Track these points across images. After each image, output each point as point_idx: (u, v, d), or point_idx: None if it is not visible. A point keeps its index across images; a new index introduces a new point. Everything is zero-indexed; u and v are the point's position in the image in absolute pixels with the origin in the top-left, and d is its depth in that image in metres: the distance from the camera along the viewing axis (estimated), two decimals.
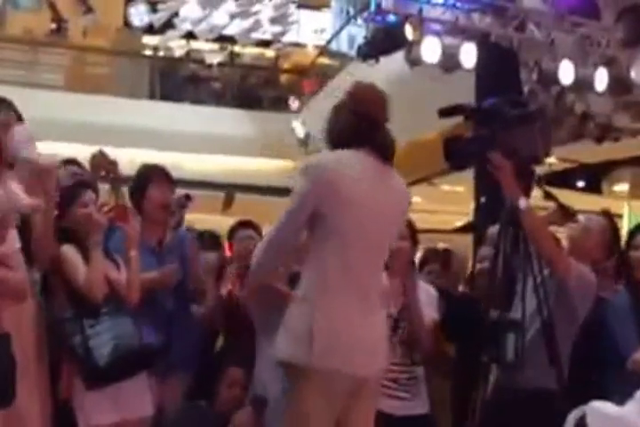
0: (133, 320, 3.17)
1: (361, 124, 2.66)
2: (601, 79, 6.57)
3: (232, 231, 3.95)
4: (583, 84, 6.64)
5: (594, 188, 11.19)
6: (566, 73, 6.42)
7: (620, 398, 3.04)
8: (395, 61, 6.81)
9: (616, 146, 8.28)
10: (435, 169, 9.13)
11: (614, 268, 3.71)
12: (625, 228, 11.50)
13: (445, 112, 2.97)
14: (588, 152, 9.00)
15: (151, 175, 3.64)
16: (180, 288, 3.55)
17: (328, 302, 2.54)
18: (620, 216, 11.80)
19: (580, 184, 11.31)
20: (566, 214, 3.70)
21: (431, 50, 6.11)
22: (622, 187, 10.94)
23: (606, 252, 3.57)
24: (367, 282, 2.64)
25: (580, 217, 3.60)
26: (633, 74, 6.71)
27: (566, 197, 11.03)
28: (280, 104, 13.98)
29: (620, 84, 6.79)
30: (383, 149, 2.69)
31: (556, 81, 6.59)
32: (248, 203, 13.28)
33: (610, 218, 3.69)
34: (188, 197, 3.48)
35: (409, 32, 6.11)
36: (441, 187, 11.69)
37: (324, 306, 2.53)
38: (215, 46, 14.27)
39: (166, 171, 3.69)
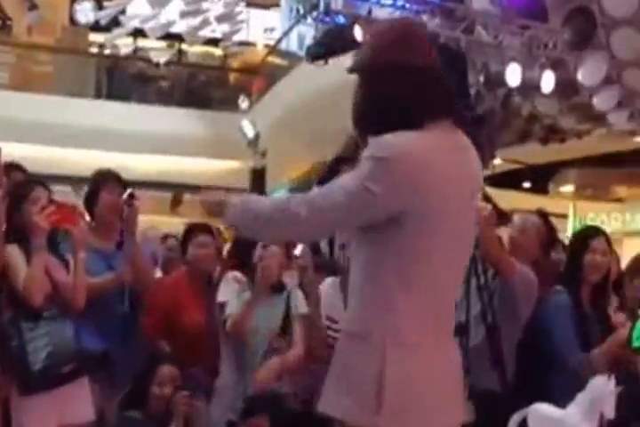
0: (75, 325, 3.10)
1: (431, 85, 1.86)
2: (548, 81, 6.65)
3: (188, 234, 3.85)
4: (530, 87, 6.71)
5: (540, 188, 11.37)
6: (513, 75, 6.48)
7: (563, 399, 3.08)
8: (347, 61, 6.79)
9: (562, 147, 8.41)
10: None
11: (552, 267, 3.74)
12: (570, 228, 11.76)
13: None
14: (535, 153, 9.13)
15: (103, 180, 3.64)
16: (135, 292, 3.48)
17: (406, 352, 1.82)
18: (566, 216, 12.04)
19: (527, 185, 11.48)
20: (502, 216, 3.72)
21: None
22: (568, 188, 11.13)
23: (543, 251, 3.60)
24: (452, 312, 1.97)
25: (516, 218, 3.62)
26: (579, 76, 6.81)
27: (513, 197, 11.27)
28: (229, 103, 13.88)
29: (566, 87, 6.88)
30: (456, 116, 1.92)
31: (503, 83, 6.64)
32: (197, 203, 13.15)
33: (545, 217, 3.72)
34: (132, 196, 3.41)
35: (358, 33, 6.08)
36: None
37: (400, 358, 1.81)
38: (163, 44, 14.09)
39: (118, 175, 3.69)
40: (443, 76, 1.89)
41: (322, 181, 2.23)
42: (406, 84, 1.84)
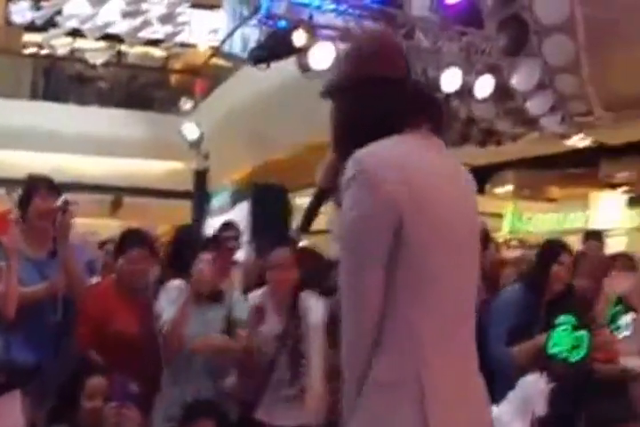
0: (5, 336, 3.03)
1: (405, 94, 1.78)
2: (484, 86, 6.83)
3: (122, 244, 3.72)
4: (467, 91, 6.88)
5: (478, 189, 11.57)
6: (451, 80, 6.64)
7: (497, 396, 3.22)
8: (292, 65, 6.86)
9: (498, 150, 8.63)
10: None
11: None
12: (506, 227, 12.07)
13: None
14: (473, 155, 9.34)
15: (35, 185, 3.55)
16: (69, 298, 3.43)
17: (438, 382, 1.62)
18: (502, 216, 12.35)
19: None
20: None
21: (321, 56, 6.17)
22: (506, 188, 11.42)
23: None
24: (466, 332, 1.77)
25: None
26: (514, 81, 7.01)
27: None
28: (171, 105, 13.81)
29: (501, 92, 7.08)
30: (440, 124, 1.82)
31: (440, 89, 6.80)
32: (138, 206, 13.04)
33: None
34: (66, 202, 3.36)
35: (300, 38, 6.15)
36: None
37: (435, 390, 1.61)
38: (101, 45, 13.94)
39: (51, 180, 3.59)
40: (421, 85, 1.97)
41: (308, 216, 1.93)
42: (392, 97, 1.77)
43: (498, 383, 3.23)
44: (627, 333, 3.72)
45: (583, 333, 3.54)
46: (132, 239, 3.69)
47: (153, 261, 3.87)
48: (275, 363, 3.44)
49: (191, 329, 3.44)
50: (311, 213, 1.90)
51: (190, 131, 11.37)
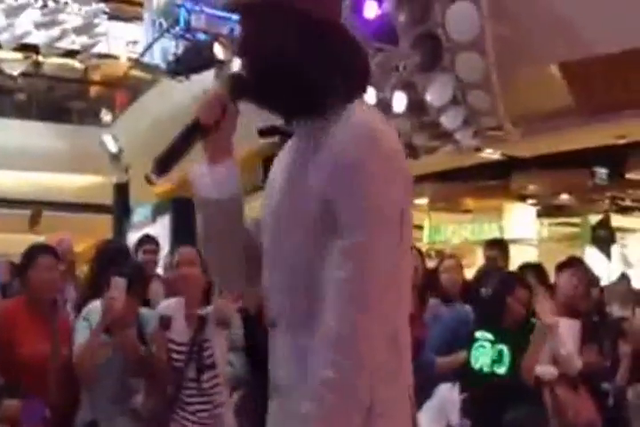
0: None
1: (359, 48, 1.48)
2: (399, 102, 7.04)
3: (29, 256, 3.48)
4: (384, 106, 7.07)
5: None
6: (368, 96, 6.82)
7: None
8: (211, 77, 6.90)
9: (415, 163, 8.86)
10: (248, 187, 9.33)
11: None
12: (425, 238, 12.35)
13: (265, 132, 2.85)
14: None
15: None
16: None
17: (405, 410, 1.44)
18: (421, 227, 12.63)
19: None
20: None
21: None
22: (422, 200, 11.70)
23: None
24: None
25: None
26: (428, 96, 7.24)
27: None
28: (91, 117, 13.62)
29: (416, 106, 7.30)
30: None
31: None
32: (57, 220, 12.78)
33: None
34: None
35: (218, 51, 6.22)
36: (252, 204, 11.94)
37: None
38: (18, 56, 13.66)
39: None
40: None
41: (172, 153, 1.52)
42: (354, 46, 1.46)
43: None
44: None
45: (502, 347, 3.68)
46: (38, 249, 3.53)
47: (65, 275, 3.76)
48: (183, 375, 3.31)
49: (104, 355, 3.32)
50: (177, 150, 1.47)
51: (111, 143, 11.25)
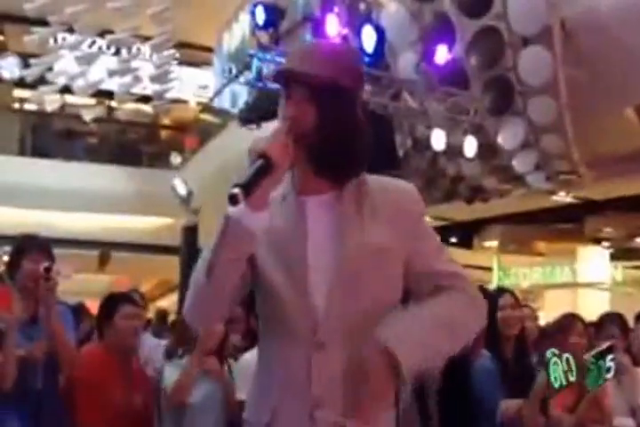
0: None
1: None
2: (470, 145, 6.98)
3: (111, 306, 3.56)
4: (454, 150, 7.03)
5: (465, 243, 11.74)
6: (438, 140, 6.79)
7: None
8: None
9: (485, 205, 8.76)
10: None
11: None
12: (494, 280, 12.13)
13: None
14: (460, 211, 9.46)
15: (25, 245, 3.47)
16: (50, 364, 3.31)
17: None
18: (491, 269, 12.42)
19: (453, 240, 11.84)
20: None
21: None
22: (492, 243, 11.53)
23: None
24: None
25: None
26: (499, 140, 7.17)
27: None
28: (161, 160, 13.90)
29: (487, 150, 7.23)
30: None
31: (428, 147, 6.94)
32: (126, 261, 13.01)
33: None
34: (47, 270, 3.33)
35: None
36: None
37: None
38: (91, 101, 14.10)
39: (41, 241, 3.53)
40: None
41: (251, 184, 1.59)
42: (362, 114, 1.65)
43: None
44: (610, 375, 3.71)
45: (567, 355, 3.54)
46: (121, 297, 3.62)
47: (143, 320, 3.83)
48: None
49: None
50: (253, 181, 1.49)
51: (181, 186, 11.44)
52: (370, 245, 1.58)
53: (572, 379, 3.54)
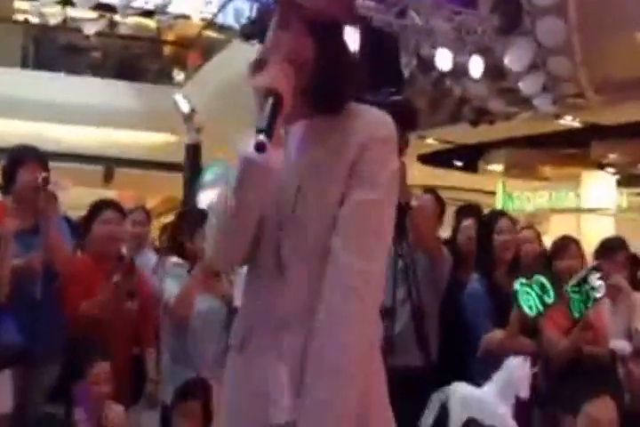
0: None
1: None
2: (476, 66, 6.82)
3: (94, 210, 3.54)
4: (460, 70, 6.87)
5: (470, 167, 11.67)
6: (444, 60, 6.63)
7: (481, 378, 3.28)
8: None
9: (491, 128, 8.65)
10: None
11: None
12: (499, 205, 12.12)
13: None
14: (465, 134, 9.35)
15: (22, 156, 3.44)
16: (48, 275, 3.34)
17: None
18: (494, 193, 12.40)
19: (458, 163, 11.78)
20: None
21: None
22: (496, 167, 11.46)
23: (438, 224, 3.82)
24: None
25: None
26: (506, 61, 7.00)
27: (444, 175, 11.53)
28: (163, 76, 13.69)
29: (494, 71, 7.07)
30: None
31: (434, 67, 6.78)
32: (130, 177, 13.02)
33: (433, 192, 3.96)
34: (45, 180, 3.31)
35: None
36: None
37: None
38: (94, 15, 13.78)
39: (38, 152, 3.50)
40: None
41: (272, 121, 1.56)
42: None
43: (485, 366, 3.31)
44: (600, 295, 3.71)
45: (538, 278, 3.54)
46: (103, 203, 3.59)
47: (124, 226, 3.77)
48: None
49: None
50: (271, 121, 1.49)
51: (183, 103, 11.31)
52: (315, 165, 1.58)
53: (549, 300, 3.55)
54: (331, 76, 1.58)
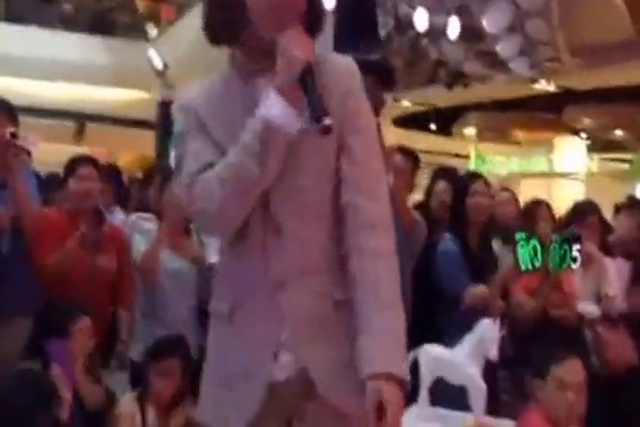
0: None
1: None
2: (453, 27, 6.77)
3: (71, 166, 3.47)
4: (437, 31, 6.82)
5: (444, 130, 11.67)
6: (421, 20, 6.57)
7: (451, 339, 3.32)
8: None
9: (466, 91, 8.62)
10: None
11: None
12: (472, 167, 12.17)
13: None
14: (440, 96, 9.32)
15: None
16: (17, 230, 3.27)
17: None
18: (468, 157, 12.44)
19: (432, 126, 11.76)
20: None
21: None
22: (470, 130, 11.46)
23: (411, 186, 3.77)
24: None
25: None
26: (484, 23, 6.95)
27: (419, 138, 11.52)
28: (137, 31, 13.42)
29: (471, 33, 7.03)
30: None
31: (411, 27, 6.72)
32: (101, 133, 12.84)
33: (408, 152, 3.87)
34: (13, 135, 3.25)
35: None
36: None
37: None
38: None
39: (7, 105, 3.37)
40: None
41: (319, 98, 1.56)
42: None
43: (456, 327, 3.34)
44: (575, 266, 3.77)
45: (534, 242, 3.59)
46: (80, 159, 3.52)
47: (104, 188, 3.74)
48: None
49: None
50: (316, 96, 1.49)
51: (156, 59, 11.12)
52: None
53: (537, 264, 3.60)
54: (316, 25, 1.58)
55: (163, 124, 11.31)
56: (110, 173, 4.40)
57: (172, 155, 1.67)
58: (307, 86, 1.46)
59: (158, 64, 11.19)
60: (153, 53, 11.26)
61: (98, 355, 3.22)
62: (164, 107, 11.35)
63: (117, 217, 4.28)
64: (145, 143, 11.44)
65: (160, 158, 10.14)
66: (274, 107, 1.47)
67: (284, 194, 1.55)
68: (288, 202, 1.56)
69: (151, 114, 11.24)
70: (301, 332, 1.55)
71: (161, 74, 11.28)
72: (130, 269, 3.51)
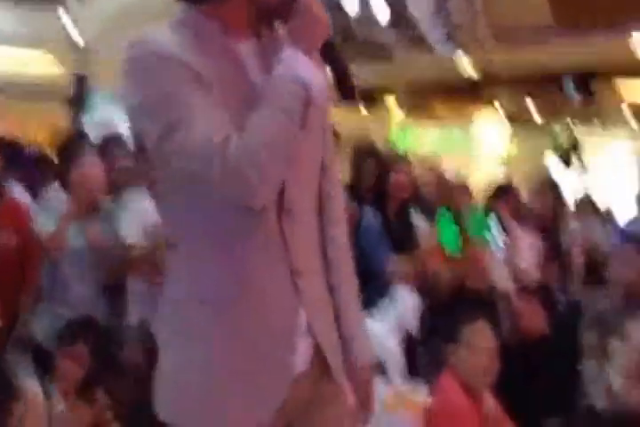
0: None
1: None
2: (382, 9, 6.82)
3: None
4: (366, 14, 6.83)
5: (368, 106, 11.73)
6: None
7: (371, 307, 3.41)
8: None
9: (390, 70, 8.69)
10: None
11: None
12: (394, 142, 12.29)
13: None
14: (363, 74, 9.37)
15: None
16: None
17: None
18: (389, 133, 12.56)
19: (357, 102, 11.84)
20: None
21: None
22: (393, 107, 11.59)
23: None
24: None
25: None
26: (410, 6, 7.06)
27: (341, 113, 11.55)
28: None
29: (398, 16, 7.09)
30: None
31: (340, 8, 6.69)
32: (12, 107, 12.38)
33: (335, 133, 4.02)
34: None
35: None
36: None
37: None
38: None
39: None
40: None
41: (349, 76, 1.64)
42: None
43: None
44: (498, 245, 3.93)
45: (454, 213, 3.73)
46: None
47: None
48: None
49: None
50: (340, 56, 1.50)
51: (73, 29, 10.75)
52: None
53: (457, 237, 3.73)
54: None
55: (78, 97, 11.01)
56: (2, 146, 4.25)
57: (142, 122, 1.52)
58: (332, 50, 1.46)
59: (74, 34, 10.83)
60: (69, 22, 10.89)
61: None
62: (79, 80, 11.03)
63: (17, 192, 4.18)
64: (60, 117, 11.10)
65: (74, 132, 9.87)
66: (307, 70, 1.42)
67: (293, 181, 1.52)
68: (297, 188, 1.54)
69: (66, 87, 10.92)
70: (317, 316, 1.57)
71: (76, 45, 10.95)
72: (33, 246, 3.42)
